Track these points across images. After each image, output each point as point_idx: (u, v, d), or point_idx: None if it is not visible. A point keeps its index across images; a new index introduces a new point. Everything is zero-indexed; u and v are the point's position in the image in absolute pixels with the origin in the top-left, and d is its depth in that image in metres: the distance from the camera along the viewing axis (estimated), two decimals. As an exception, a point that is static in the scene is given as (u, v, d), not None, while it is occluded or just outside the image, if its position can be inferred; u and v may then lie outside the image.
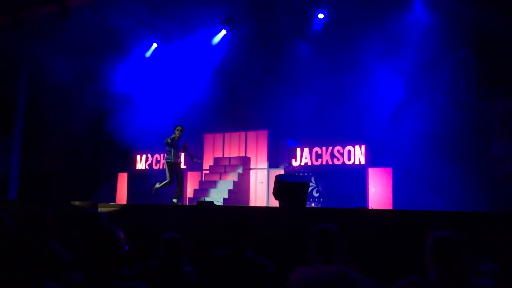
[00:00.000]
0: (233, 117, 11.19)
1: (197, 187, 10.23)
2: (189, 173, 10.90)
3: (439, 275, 2.32)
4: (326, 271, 1.06)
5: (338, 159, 9.43)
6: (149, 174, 11.27)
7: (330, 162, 9.49)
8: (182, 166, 10.33)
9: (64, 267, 3.12)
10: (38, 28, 10.64)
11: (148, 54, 12.10)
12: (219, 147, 10.98)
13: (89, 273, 2.19)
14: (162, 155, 11.38)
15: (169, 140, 8.79)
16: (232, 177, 9.89)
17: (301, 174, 9.38)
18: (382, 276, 2.58)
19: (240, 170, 9.99)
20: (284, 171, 9.74)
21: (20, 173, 11.58)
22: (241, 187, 9.88)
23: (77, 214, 3.78)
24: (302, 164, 9.79)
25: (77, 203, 7.05)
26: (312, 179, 9.43)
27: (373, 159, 9.21)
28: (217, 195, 9.15)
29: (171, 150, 8.83)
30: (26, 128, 11.75)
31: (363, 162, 9.16)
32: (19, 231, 2.91)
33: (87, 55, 10.60)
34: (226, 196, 9.27)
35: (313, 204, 9.30)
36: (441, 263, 2.33)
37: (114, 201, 11.19)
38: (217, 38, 11.38)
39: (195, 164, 10.17)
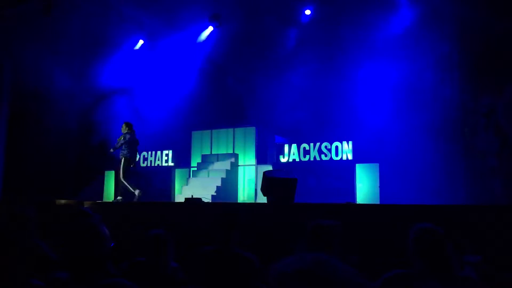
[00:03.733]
0: (221, 114, 11.17)
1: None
2: (176, 170, 10.86)
3: (422, 267, 2.35)
4: (304, 259, 1.06)
5: (325, 155, 9.47)
6: (136, 171, 11.17)
7: (318, 158, 9.52)
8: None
9: (49, 264, 3.09)
10: (21, 25, 10.48)
11: (134, 50, 12.00)
12: (207, 144, 10.95)
13: (74, 271, 2.17)
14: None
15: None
16: (220, 174, 9.88)
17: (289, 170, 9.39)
18: (368, 269, 2.61)
19: (228, 167, 9.98)
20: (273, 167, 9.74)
21: (4, 171, 11.40)
22: (229, 184, 9.87)
23: (63, 211, 3.74)
24: (290, 160, 9.80)
25: (62, 201, 6.98)
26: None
27: (361, 155, 9.26)
28: (205, 192, 9.13)
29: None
30: (10, 126, 11.56)
31: (350, 158, 9.21)
32: (4, 230, 2.87)
33: (71, 52, 10.48)
34: (214, 193, 9.25)
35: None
36: (424, 255, 2.35)
37: (102, 199, 11.10)
38: (204, 35, 11.33)
39: (181, 160, 10.15)
